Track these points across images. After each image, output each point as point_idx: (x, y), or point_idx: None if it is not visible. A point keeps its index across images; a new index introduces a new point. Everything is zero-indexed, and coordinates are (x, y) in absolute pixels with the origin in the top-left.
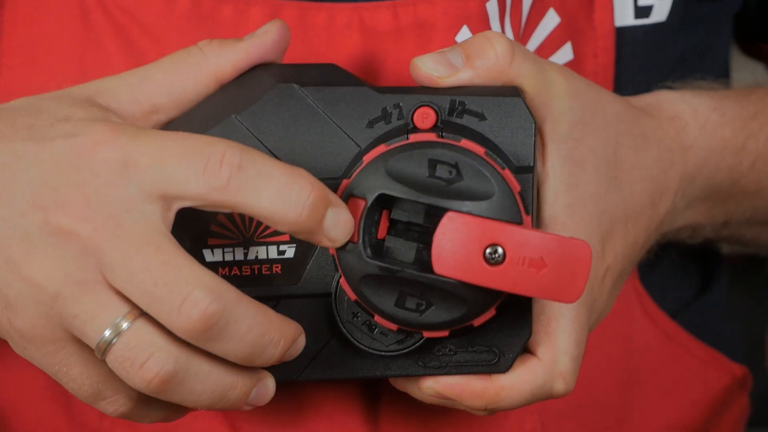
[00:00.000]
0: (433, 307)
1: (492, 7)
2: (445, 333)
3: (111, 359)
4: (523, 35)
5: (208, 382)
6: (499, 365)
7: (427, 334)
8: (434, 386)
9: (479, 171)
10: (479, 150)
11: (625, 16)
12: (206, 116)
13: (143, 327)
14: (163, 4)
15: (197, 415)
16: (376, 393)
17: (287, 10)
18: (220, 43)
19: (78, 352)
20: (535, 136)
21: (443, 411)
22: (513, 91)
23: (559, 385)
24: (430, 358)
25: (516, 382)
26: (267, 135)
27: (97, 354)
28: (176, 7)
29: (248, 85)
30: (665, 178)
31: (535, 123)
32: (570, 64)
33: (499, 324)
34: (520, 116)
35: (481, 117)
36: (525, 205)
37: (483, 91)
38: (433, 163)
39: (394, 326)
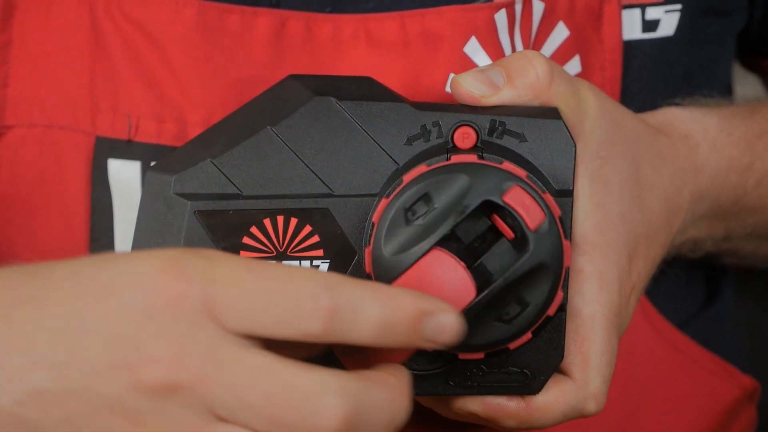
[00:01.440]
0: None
1: (501, 19)
2: (480, 355)
3: None
4: (533, 47)
5: None
6: (531, 387)
7: (462, 356)
8: (466, 405)
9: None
10: (521, 173)
11: (632, 30)
12: (240, 126)
13: None
14: (169, 15)
15: None
16: None
17: (293, 20)
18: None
19: None
20: (575, 160)
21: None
22: (553, 113)
23: (591, 406)
24: (461, 377)
25: (549, 403)
26: (303, 148)
27: None
28: (183, 17)
29: (283, 96)
30: (679, 197)
31: (575, 146)
32: (578, 77)
33: (532, 346)
34: (560, 139)
35: (522, 138)
36: (564, 229)
37: (523, 112)
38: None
39: None
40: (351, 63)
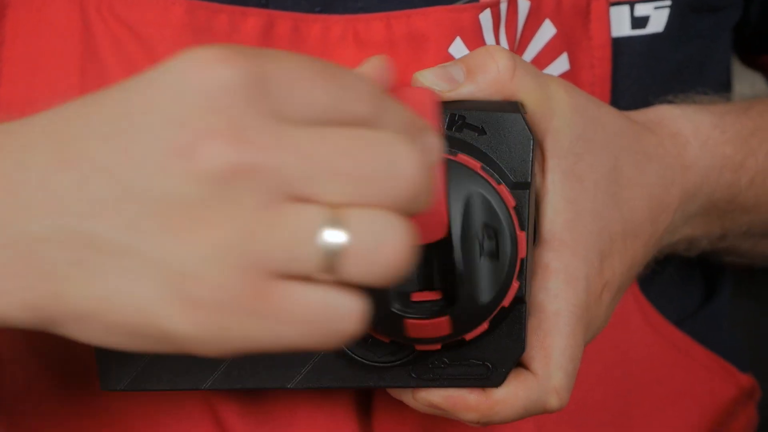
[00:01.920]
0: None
1: (485, 19)
2: (437, 346)
3: (348, 265)
4: (518, 46)
5: None
6: (492, 379)
7: (419, 347)
8: (428, 397)
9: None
10: (475, 164)
11: (621, 27)
12: None
13: (362, 215)
14: (158, 15)
15: (185, 417)
16: (369, 400)
17: (281, 21)
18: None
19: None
20: (533, 153)
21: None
22: (513, 107)
23: (553, 401)
24: (423, 370)
25: (510, 397)
26: None
27: (324, 274)
28: (172, 16)
29: None
30: (666, 196)
31: (533, 140)
32: (566, 75)
33: (493, 338)
34: (518, 132)
35: (481, 132)
36: (520, 220)
37: (483, 106)
38: None
39: (386, 338)
40: (339, 63)
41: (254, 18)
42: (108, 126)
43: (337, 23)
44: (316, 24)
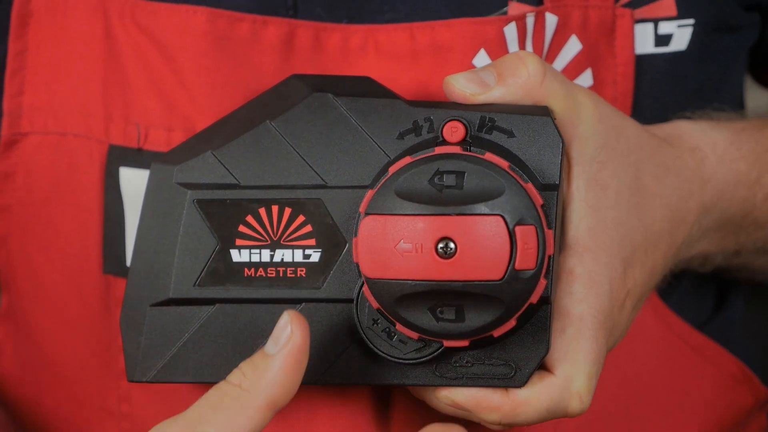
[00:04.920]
0: (470, 312)
1: (510, 31)
2: (465, 343)
3: None
4: (545, 60)
5: None
6: (515, 379)
7: (447, 344)
8: (451, 396)
9: (486, 173)
10: (503, 163)
11: (645, 44)
12: (242, 120)
13: None
14: (180, 23)
15: None
16: (388, 405)
17: (302, 30)
18: (254, 370)
19: None
20: (562, 156)
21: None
22: (543, 111)
23: (575, 404)
24: (447, 368)
25: (532, 398)
26: (299, 141)
27: None
28: (193, 25)
29: (284, 93)
30: (684, 208)
31: (563, 142)
32: (576, 83)
33: (518, 339)
34: (548, 135)
35: (510, 134)
36: (548, 219)
37: (513, 109)
38: (440, 174)
39: (414, 335)
40: (360, 73)
41: (275, 27)
42: None
43: (356, 33)
44: (336, 33)
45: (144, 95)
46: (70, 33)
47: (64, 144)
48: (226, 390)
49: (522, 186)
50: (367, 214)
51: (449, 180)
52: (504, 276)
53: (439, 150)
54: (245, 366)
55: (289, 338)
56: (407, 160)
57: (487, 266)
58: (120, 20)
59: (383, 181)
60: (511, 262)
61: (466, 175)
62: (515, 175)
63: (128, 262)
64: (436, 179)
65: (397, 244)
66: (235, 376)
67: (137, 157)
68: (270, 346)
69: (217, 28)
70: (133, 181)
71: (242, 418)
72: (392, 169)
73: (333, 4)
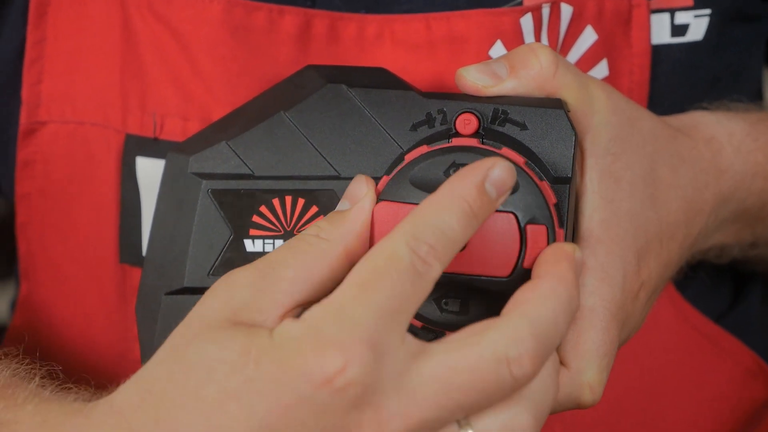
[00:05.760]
0: (474, 306)
1: (526, 23)
2: None
3: None
4: (560, 51)
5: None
6: None
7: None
8: None
9: None
10: (519, 159)
11: (661, 34)
12: (257, 111)
13: None
14: (196, 12)
15: None
16: None
17: (318, 19)
18: (332, 224)
19: None
20: (575, 148)
21: None
22: (556, 103)
23: (587, 395)
24: None
25: None
26: (313, 132)
27: None
28: (209, 14)
29: (298, 83)
30: (700, 199)
31: (576, 135)
32: (605, 81)
33: None
34: (561, 128)
35: (523, 126)
36: (560, 217)
37: (526, 102)
38: (456, 166)
39: (418, 323)
40: (376, 63)
41: (291, 16)
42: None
43: (372, 22)
44: (352, 23)
45: (160, 85)
46: (88, 22)
47: (81, 133)
48: (304, 238)
49: (537, 184)
50: (380, 199)
51: None
52: (511, 274)
53: (456, 142)
54: (320, 222)
55: (363, 194)
56: (424, 149)
57: (495, 263)
58: (137, 9)
59: (399, 168)
60: (519, 260)
61: None
62: (530, 172)
63: (144, 252)
64: (451, 171)
65: None
66: (311, 229)
67: (154, 147)
68: (343, 204)
69: (234, 18)
70: (150, 171)
71: (321, 263)
72: (408, 158)
73: None
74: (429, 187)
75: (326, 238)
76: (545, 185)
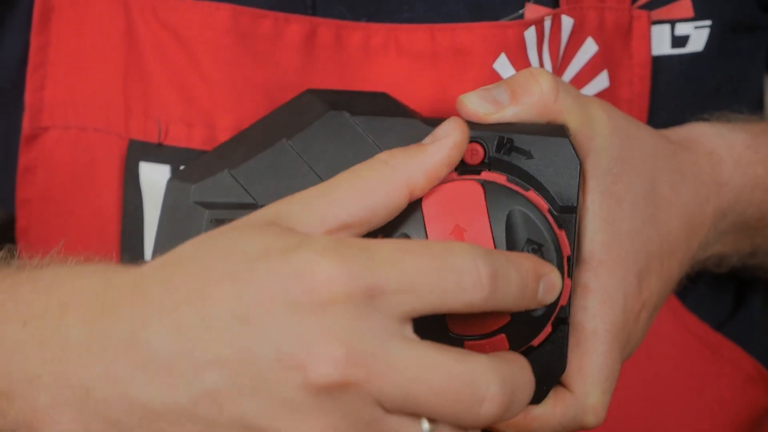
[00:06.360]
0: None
1: (530, 36)
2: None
3: None
4: (561, 63)
5: None
6: (533, 396)
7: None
8: None
9: (529, 218)
10: (543, 206)
11: (662, 46)
12: (258, 138)
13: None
14: (202, 19)
15: None
16: None
17: (324, 28)
18: (404, 153)
19: None
20: (580, 177)
21: None
22: (560, 131)
23: (590, 418)
24: None
25: (547, 414)
26: (316, 160)
27: None
28: (215, 21)
29: (300, 110)
30: (700, 214)
31: (581, 164)
32: (605, 92)
33: (536, 356)
34: (566, 157)
35: (528, 155)
36: (570, 267)
37: (530, 129)
38: None
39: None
40: (380, 72)
41: (297, 24)
42: (226, 323)
43: (378, 32)
44: (358, 32)
45: (164, 90)
46: (92, 27)
47: (84, 138)
48: (371, 163)
49: (556, 236)
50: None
51: None
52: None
53: (485, 176)
54: (396, 150)
55: (448, 133)
56: (453, 177)
57: None
58: (141, 15)
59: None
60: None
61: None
62: (552, 221)
63: (146, 258)
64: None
65: None
66: (383, 153)
67: (157, 153)
68: (428, 138)
69: (240, 25)
70: (153, 177)
71: (379, 189)
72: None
73: (351, 2)
74: None
75: (393, 166)
76: (563, 235)
